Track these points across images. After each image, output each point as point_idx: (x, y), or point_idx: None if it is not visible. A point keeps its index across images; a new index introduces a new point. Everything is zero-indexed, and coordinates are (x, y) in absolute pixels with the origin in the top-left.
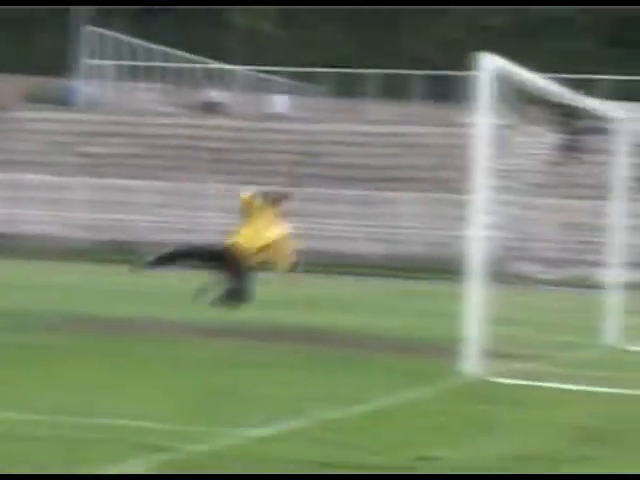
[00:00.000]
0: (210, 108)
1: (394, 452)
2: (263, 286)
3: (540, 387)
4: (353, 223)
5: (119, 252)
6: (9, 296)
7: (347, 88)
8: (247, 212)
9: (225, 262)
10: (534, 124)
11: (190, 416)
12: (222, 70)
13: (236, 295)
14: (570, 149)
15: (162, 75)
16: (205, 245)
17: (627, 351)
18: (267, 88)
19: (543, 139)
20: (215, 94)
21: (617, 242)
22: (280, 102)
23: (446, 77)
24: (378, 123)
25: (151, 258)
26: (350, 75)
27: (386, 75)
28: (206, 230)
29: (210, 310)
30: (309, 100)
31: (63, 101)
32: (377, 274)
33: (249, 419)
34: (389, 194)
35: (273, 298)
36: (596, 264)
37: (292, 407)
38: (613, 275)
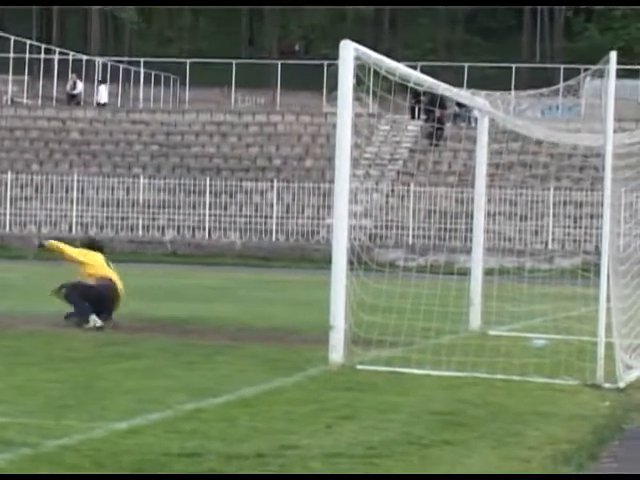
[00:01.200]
0: (71, 99)
1: (259, 441)
2: (128, 278)
3: (403, 373)
4: (216, 213)
5: None
6: None
7: (211, 78)
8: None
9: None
10: (398, 112)
11: (53, 410)
12: (81, 60)
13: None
14: (434, 137)
15: (19, 66)
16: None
17: (488, 336)
18: (127, 79)
19: (407, 127)
20: (75, 85)
21: (479, 228)
22: (101, 92)
23: (310, 66)
24: (240, 113)
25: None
26: (212, 65)
27: (250, 65)
28: (72, 222)
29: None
30: (172, 90)
31: None
32: (241, 264)
33: (113, 412)
34: (252, 184)
35: (139, 290)
36: (459, 250)
37: (156, 399)
38: (475, 261)
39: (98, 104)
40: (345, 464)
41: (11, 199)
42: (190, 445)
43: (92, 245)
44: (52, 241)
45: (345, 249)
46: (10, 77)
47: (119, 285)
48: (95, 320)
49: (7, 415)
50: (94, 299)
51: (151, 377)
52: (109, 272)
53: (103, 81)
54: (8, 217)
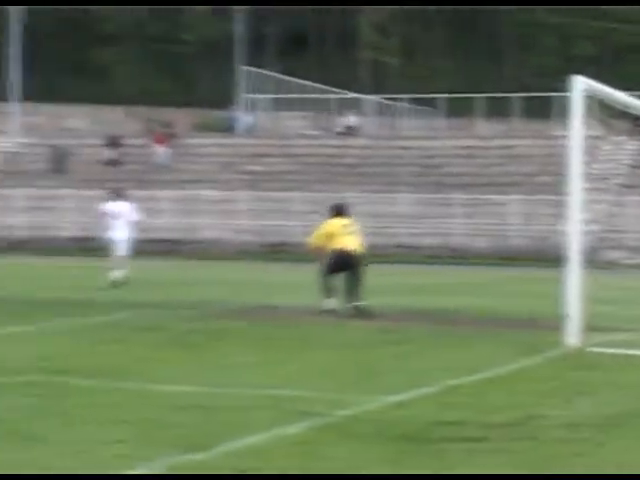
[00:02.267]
0: (346, 131)
1: (507, 412)
2: (396, 277)
3: (631, 355)
4: (466, 222)
5: (278, 252)
6: (188, 291)
7: (459, 110)
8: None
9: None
10: (618, 134)
11: (338, 387)
12: (354, 98)
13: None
14: None
15: (305, 104)
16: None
17: None
18: (392, 112)
19: (626, 146)
20: (350, 119)
21: None
22: (352, 120)
23: (541, 98)
24: (485, 138)
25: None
26: (461, 99)
27: (491, 98)
28: None
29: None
30: (427, 121)
31: (227, 129)
32: (487, 264)
33: (387, 388)
34: (496, 197)
35: (405, 287)
36: None
37: (421, 377)
38: None
39: (347, 127)
40: (585, 432)
41: (298, 213)
42: (451, 415)
43: (338, 210)
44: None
45: (577, 250)
46: (298, 113)
47: (355, 249)
48: (328, 303)
49: (305, 390)
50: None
51: (416, 359)
52: (344, 240)
53: (350, 113)
54: (297, 228)
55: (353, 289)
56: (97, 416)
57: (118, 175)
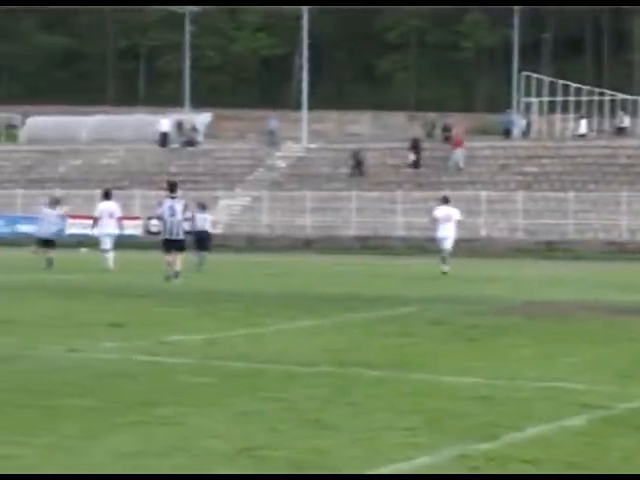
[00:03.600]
0: (619, 131)
1: None
2: None
3: None
4: None
5: (552, 250)
6: (467, 287)
7: None
8: None
9: None
10: None
11: (618, 380)
12: (627, 100)
13: None
14: None
15: (578, 106)
16: None
17: None
18: None
19: None
20: (623, 120)
21: None
22: (582, 125)
23: None
24: None
25: None
26: None
27: None
28: (621, 229)
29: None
30: None
31: (503, 132)
32: None
33: None
34: None
35: None
36: None
37: None
38: None
39: (578, 135)
40: None
41: (573, 212)
42: None
43: None
44: None
45: None
46: (571, 115)
47: None
48: None
49: (583, 383)
50: None
51: None
52: None
53: (582, 117)
54: (571, 226)
55: None
56: (386, 405)
57: (401, 177)
